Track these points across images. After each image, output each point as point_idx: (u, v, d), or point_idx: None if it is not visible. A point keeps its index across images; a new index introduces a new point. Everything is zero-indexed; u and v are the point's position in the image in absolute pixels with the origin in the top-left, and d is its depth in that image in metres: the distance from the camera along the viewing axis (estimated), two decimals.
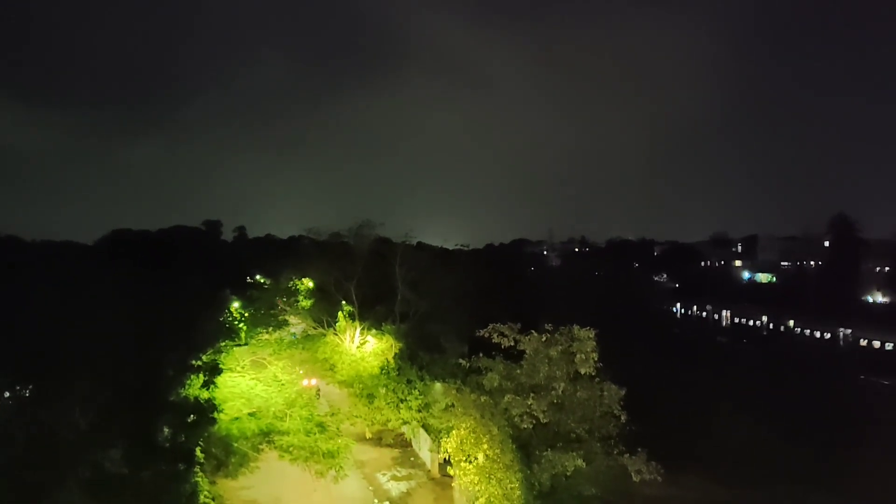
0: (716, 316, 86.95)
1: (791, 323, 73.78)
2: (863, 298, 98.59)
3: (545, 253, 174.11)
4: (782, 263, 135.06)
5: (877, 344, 61.92)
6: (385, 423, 35.81)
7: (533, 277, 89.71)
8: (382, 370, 36.26)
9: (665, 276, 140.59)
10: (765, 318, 77.41)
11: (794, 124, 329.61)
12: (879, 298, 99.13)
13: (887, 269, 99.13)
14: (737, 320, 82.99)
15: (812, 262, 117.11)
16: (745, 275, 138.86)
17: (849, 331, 65.32)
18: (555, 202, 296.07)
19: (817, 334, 69.44)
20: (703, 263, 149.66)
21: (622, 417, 23.83)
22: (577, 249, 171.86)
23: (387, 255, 48.09)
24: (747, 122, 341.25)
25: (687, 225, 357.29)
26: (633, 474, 22.73)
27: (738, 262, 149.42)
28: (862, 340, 63.65)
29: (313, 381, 37.56)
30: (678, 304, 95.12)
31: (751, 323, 79.83)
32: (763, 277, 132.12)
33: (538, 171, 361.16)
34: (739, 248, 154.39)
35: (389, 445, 37.96)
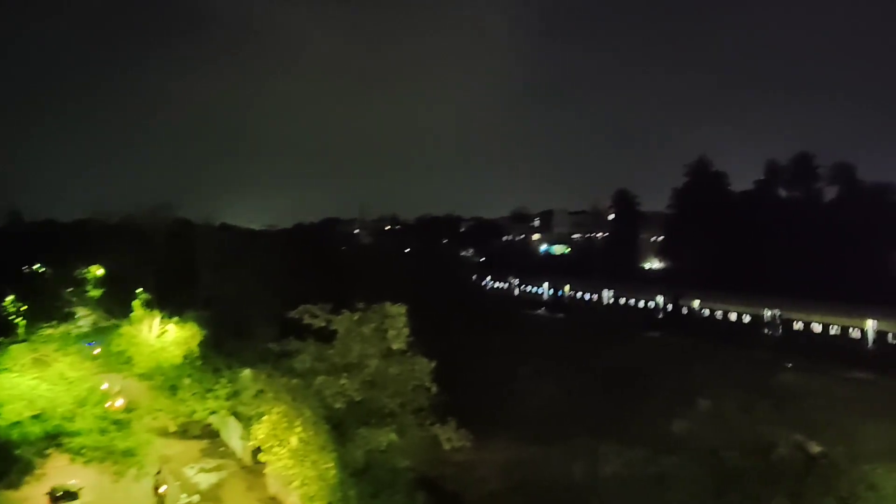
0: (520, 287, 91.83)
1: (574, 290, 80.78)
2: (642, 265, 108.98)
3: (356, 231, 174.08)
4: (574, 236, 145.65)
5: (651, 304, 69.96)
6: (191, 414, 34.17)
7: (345, 256, 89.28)
8: (186, 360, 34.54)
9: (472, 250, 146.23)
10: (567, 287, 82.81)
11: (588, 102, 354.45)
12: (656, 265, 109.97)
13: (661, 238, 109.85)
14: (539, 290, 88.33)
15: (599, 234, 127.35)
16: (543, 247, 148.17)
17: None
18: (365, 181, 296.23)
19: (606, 299, 75.66)
20: (505, 238, 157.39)
21: (433, 389, 24.59)
22: (388, 227, 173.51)
23: (188, 237, 45.83)
24: (545, 101, 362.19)
25: (491, 201, 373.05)
26: (444, 443, 23.66)
27: (536, 236, 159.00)
28: (640, 302, 71.77)
29: (106, 385, 34.87)
30: (488, 278, 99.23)
31: (555, 293, 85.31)
32: (558, 249, 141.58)
33: (348, 150, 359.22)
34: (537, 222, 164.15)
35: (197, 437, 36.18)
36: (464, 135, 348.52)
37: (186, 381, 33.48)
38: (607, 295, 76.00)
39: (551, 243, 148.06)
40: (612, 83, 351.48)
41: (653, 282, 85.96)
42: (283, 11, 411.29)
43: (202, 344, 35.73)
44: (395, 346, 24.59)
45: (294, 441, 22.77)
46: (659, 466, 31.43)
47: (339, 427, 24.10)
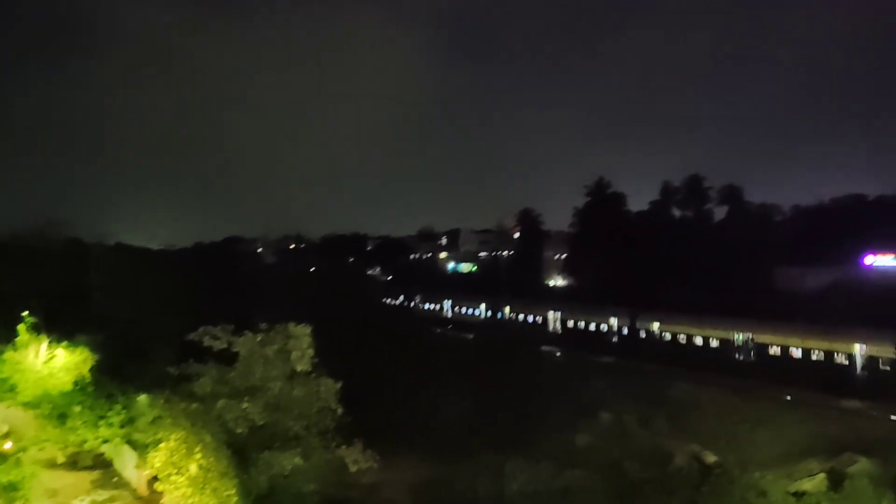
0: (427, 305, 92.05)
1: (482, 307, 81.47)
2: (546, 283, 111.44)
3: (260, 250, 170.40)
4: (481, 254, 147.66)
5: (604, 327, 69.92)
6: (81, 444, 32.40)
7: (248, 276, 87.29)
8: (77, 386, 32.77)
9: (379, 269, 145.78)
10: (477, 305, 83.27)
11: (494, 122, 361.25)
12: (560, 282, 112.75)
13: (564, 256, 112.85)
14: (446, 308, 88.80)
15: (506, 252, 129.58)
16: (450, 265, 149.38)
17: (550, 312, 73.55)
18: (269, 200, 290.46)
19: (516, 317, 76.60)
20: (412, 256, 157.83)
21: (338, 410, 24.29)
22: (292, 246, 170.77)
23: (80, 257, 43.79)
24: (451, 120, 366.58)
25: (398, 220, 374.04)
26: (350, 465, 23.38)
27: (443, 254, 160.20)
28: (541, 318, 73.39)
29: None
30: (397, 296, 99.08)
31: (456, 309, 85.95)
32: (465, 267, 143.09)
33: (250, 168, 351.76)
34: (444, 240, 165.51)
35: (88, 468, 34.27)
36: (370, 154, 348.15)
37: (77, 408, 31.71)
38: (552, 316, 74.10)
39: (458, 261, 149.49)
40: (516, 104, 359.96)
41: (557, 298, 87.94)
42: (180, 26, 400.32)
43: (95, 369, 33.99)
44: (299, 368, 24.15)
45: (193, 468, 21.96)
46: (564, 480, 32.19)
47: (241, 452, 23.42)
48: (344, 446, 23.67)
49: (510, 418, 38.93)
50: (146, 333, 38.04)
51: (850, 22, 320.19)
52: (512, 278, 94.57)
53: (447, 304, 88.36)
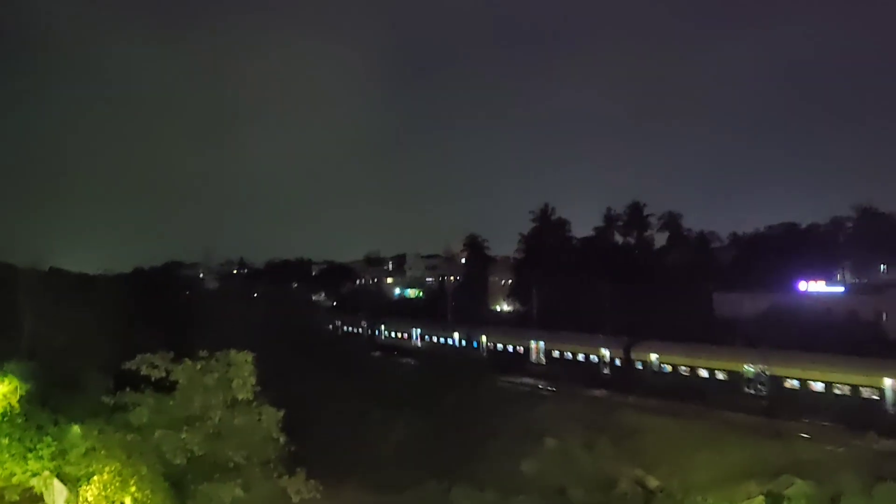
0: (372, 331, 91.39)
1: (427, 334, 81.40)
2: (492, 308, 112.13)
3: (201, 275, 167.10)
4: (427, 279, 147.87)
5: (500, 346, 70.78)
6: (9, 477, 31.05)
7: (188, 301, 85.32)
8: (4, 417, 31.44)
9: (323, 294, 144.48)
10: (416, 331, 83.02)
11: (440, 148, 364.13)
12: (505, 307, 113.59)
13: (509, 281, 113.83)
14: (390, 334, 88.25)
15: (452, 278, 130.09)
16: (397, 291, 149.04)
17: (483, 336, 73.38)
18: (210, 225, 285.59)
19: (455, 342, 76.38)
20: (358, 281, 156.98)
21: (281, 439, 23.83)
22: (235, 271, 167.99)
23: (11, 282, 42.26)
24: (397, 146, 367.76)
25: (343, 245, 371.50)
26: (292, 495, 22.91)
27: (389, 280, 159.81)
28: (490, 344, 72.54)
29: None
30: (343, 322, 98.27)
31: (402, 335, 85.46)
32: (412, 293, 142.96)
33: (191, 193, 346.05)
34: (390, 266, 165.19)
35: (15, 503, 32.91)
36: (315, 179, 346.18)
37: (4, 440, 30.42)
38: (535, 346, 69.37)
39: (405, 287, 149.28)
40: (463, 130, 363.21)
41: (503, 323, 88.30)
42: (117, 47, 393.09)
43: (24, 399, 32.68)
44: (240, 396, 23.62)
45: (128, 502, 21.28)
46: None
47: (179, 484, 22.75)
48: (286, 476, 23.20)
49: (455, 444, 38.76)
50: (80, 361, 36.75)
51: (785, 56, 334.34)
52: (458, 304, 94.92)
53: (394, 330, 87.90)
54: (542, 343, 66.29)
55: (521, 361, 66.73)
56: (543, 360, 65.65)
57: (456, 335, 75.88)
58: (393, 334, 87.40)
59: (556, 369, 63.00)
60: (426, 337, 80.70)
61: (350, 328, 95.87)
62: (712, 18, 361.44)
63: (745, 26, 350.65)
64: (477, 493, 33.12)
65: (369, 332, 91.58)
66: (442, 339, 77.41)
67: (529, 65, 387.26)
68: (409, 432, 40.68)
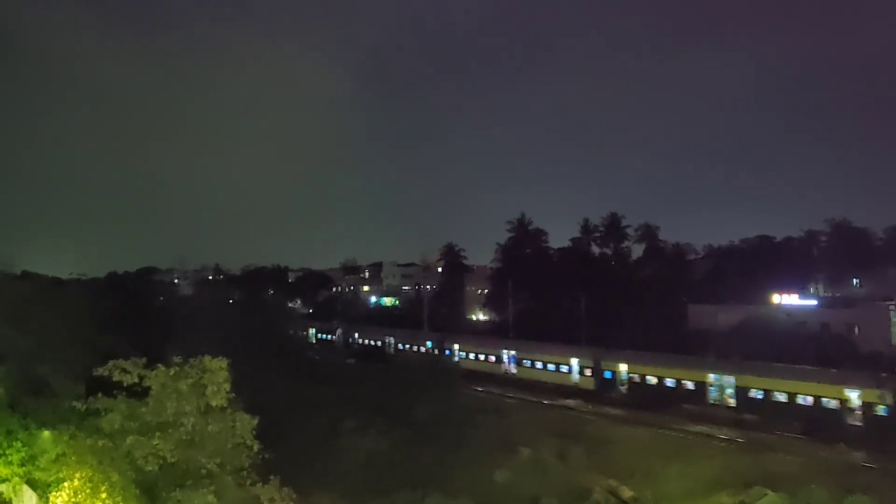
0: (347, 339, 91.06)
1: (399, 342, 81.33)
2: (468, 317, 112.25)
3: (176, 281, 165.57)
4: (404, 288, 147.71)
5: (473, 356, 70.55)
6: None
7: (163, 307, 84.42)
8: None
9: (299, 301, 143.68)
10: (391, 339, 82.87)
11: (418, 158, 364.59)
12: (481, 316, 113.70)
13: (486, 291, 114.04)
14: (365, 342, 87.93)
15: (429, 287, 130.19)
16: (373, 299, 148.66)
17: (456, 345, 73.40)
18: (186, 231, 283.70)
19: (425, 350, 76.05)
20: (334, 289, 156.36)
21: (254, 447, 23.69)
22: (210, 277, 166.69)
23: None
24: (376, 155, 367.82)
25: (320, 253, 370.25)
26: (265, 503, 22.77)
27: (366, 288, 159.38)
28: (401, 345, 76.55)
29: None
30: (318, 329, 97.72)
31: (378, 343, 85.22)
32: (388, 301, 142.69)
33: (165, 199, 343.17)
34: (367, 274, 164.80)
35: None
36: (293, 186, 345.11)
37: None
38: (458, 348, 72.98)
39: (381, 295, 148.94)
40: (441, 139, 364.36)
41: (478, 332, 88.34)
42: (98, 53, 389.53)
43: None
44: (214, 403, 23.41)
45: None
46: None
47: (150, 491, 22.52)
48: (260, 484, 23.05)
49: (429, 453, 38.69)
50: (51, 366, 36.19)
51: (762, 71, 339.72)
52: (434, 312, 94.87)
53: (369, 338, 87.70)
54: (513, 353, 67.23)
55: (492, 370, 67.09)
56: (515, 370, 66.37)
57: (429, 343, 75.92)
58: (368, 342, 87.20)
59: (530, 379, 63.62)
60: (400, 345, 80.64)
61: (325, 335, 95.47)
62: (688, 33, 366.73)
63: (721, 41, 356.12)
64: (450, 502, 33.07)
65: (344, 339, 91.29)
66: (416, 348, 77.41)
67: (507, 76, 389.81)
68: (383, 440, 40.54)
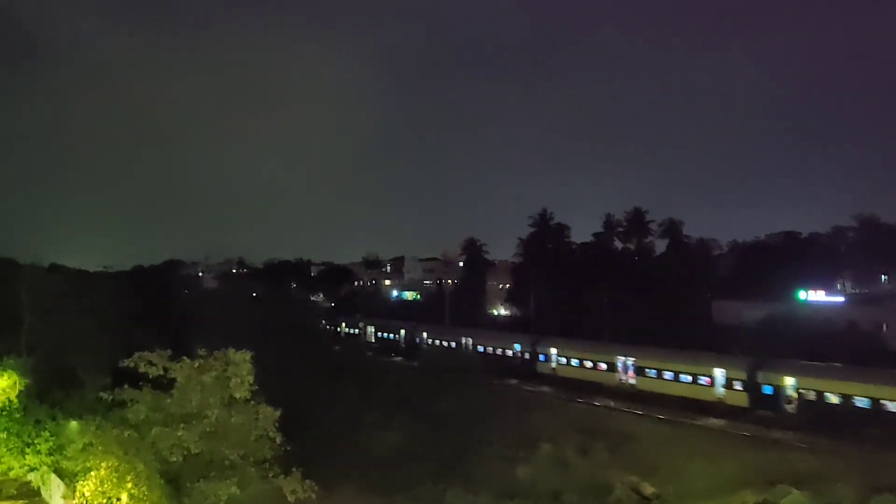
0: (373, 333, 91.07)
1: (425, 334, 79.99)
2: (490, 312, 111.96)
3: (201, 274, 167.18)
4: (425, 282, 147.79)
5: (577, 362, 60.78)
6: (6, 472, 31.24)
7: (187, 300, 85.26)
8: (3, 411, 31.54)
9: (322, 295, 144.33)
10: (469, 340, 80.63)
11: (438, 152, 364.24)
12: (502, 311, 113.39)
13: (507, 286, 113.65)
14: (388, 336, 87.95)
15: (450, 281, 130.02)
16: (394, 293, 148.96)
17: (471, 339, 71.00)
18: (211, 225, 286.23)
19: (449, 344, 74.67)
20: (356, 283, 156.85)
21: (277, 439, 23.93)
22: (234, 270, 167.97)
23: (10, 278, 42.34)
24: (396, 149, 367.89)
25: (342, 247, 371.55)
26: (288, 495, 23.00)
27: (387, 282, 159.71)
28: (480, 347, 69.38)
29: None
30: (340, 323, 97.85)
31: (398, 337, 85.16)
32: (409, 295, 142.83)
33: (191, 191, 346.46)
34: (388, 268, 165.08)
35: (12, 497, 33.02)
36: (316, 180, 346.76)
37: (2, 434, 30.63)
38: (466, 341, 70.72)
39: (402, 289, 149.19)
40: (463, 134, 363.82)
41: (497, 327, 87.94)
42: (123, 50, 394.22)
43: (23, 394, 32.83)
44: (238, 395, 23.74)
45: (125, 498, 21.35)
46: None
47: (175, 481, 22.86)
48: (282, 476, 23.31)
49: (450, 448, 38.78)
50: (80, 358, 36.83)
51: (788, 65, 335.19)
52: (455, 307, 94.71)
53: (390, 332, 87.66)
54: (631, 360, 56.07)
55: (522, 366, 65.52)
56: (634, 380, 55.46)
57: (517, 346, 73.55)
58: (390, 336, 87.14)
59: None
60: (424, 339, 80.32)
61: (348, 329, 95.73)
62: (713, 25, 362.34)
63: (748, 33, 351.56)
64: (471, 496, 33.13)
65: (367, 333, 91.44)
66: (440, 342, 76.99)
67: (529, 72, 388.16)
68: (404, 434, 40.68)
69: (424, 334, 78.88)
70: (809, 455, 36.71)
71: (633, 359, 55.25)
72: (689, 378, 50.58)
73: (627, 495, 34.72)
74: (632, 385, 54.74)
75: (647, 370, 53.94)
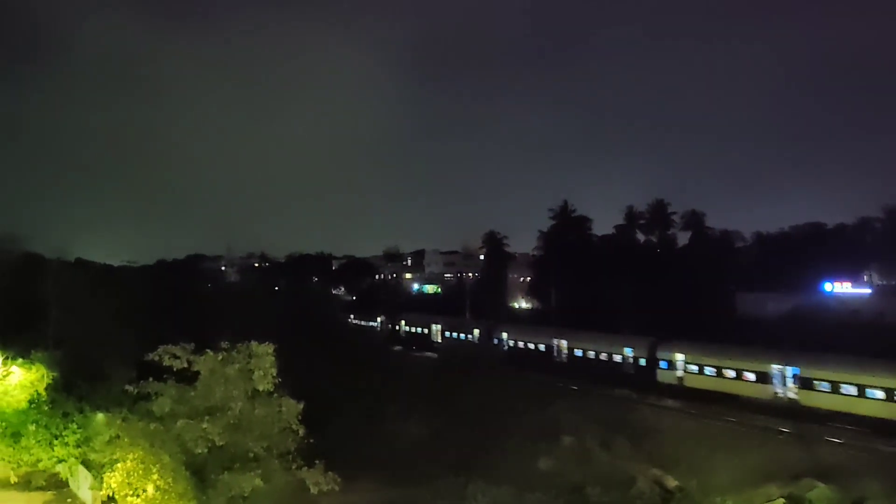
0: (391, 326, 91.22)
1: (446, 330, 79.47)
2: (510, 305, 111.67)
3: (223, 268, 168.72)
4: (446, 276, 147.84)
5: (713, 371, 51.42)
6: (35, 463, 31.70)
7: (210, 293, 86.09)
8: (32, 404, 32.02)
9: (343, 288, 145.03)
10: (438, 326, 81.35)
11: (458, 144, 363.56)
12: (523, 304, 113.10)
13: (528, 278, 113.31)
14: (410, 329, 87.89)
15: (471, 274, 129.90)
16: (415, 286, 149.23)
17: (564, 342, 64.15)
18: (233, 218, 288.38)
19: (536, 347, 71.28)
20: (377, 276, 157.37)
21: (300, 431, 24.08)
22: (256, 264, 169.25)
23: (37, 272, 42.96)
24: (419, 141, 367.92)
25: (363, 240, 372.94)
26: (311, 487, 23.17)
27: (408, 275, 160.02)
28: (578, 351, 61.87)
29: None
30: (361, 316, 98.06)
31: (419, 330, 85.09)
32: (430, 288, 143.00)
33: (214, 187, 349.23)
34: (409, 261, 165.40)
35: (41, 489, 33.54)
36: (336, 174, 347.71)
37: (31, 427, 31.07)
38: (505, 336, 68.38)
39: (423, 283, 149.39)
40: (483, 127, 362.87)
41: (519, 321, 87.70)
42: (145, 43, 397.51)
43: (51, 387, 33.32)
44: (261, 387, 23.92)
45: (150, 489, 21.60)
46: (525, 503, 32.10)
47: (199, 473, 23.08)
48: (305, 468, 23.46)
49: (471, 440, 38.78)
50: (105, 351, 37.29)
51: (813, 53, 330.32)
52: (476, 300, 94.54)
53: (412, 325, 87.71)
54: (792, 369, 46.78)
55: (542, 359, 64.94)
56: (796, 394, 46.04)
57: (475, 331, 74.47)
58: (411, 329, 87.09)
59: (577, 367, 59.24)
60: (445, 332, 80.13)
61: (369, 322, 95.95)
62: (735, 14, 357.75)
63: (771, 24, 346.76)
64: (492, 489, 33.11)
65: (388, 326, 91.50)
66: (461, 335, 76.84)
67: (552, 61, 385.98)
68: (426, 426, 40.75)
69: (504, 335, 70.58)
70: (834, 448, 36.30)
71: (797, 368, 45.54)
72: (884, 394, 39.93)
73: (650, 488, 34.54)
74: (791, 399, 45.24)
75: (816, 383, 43.66)
